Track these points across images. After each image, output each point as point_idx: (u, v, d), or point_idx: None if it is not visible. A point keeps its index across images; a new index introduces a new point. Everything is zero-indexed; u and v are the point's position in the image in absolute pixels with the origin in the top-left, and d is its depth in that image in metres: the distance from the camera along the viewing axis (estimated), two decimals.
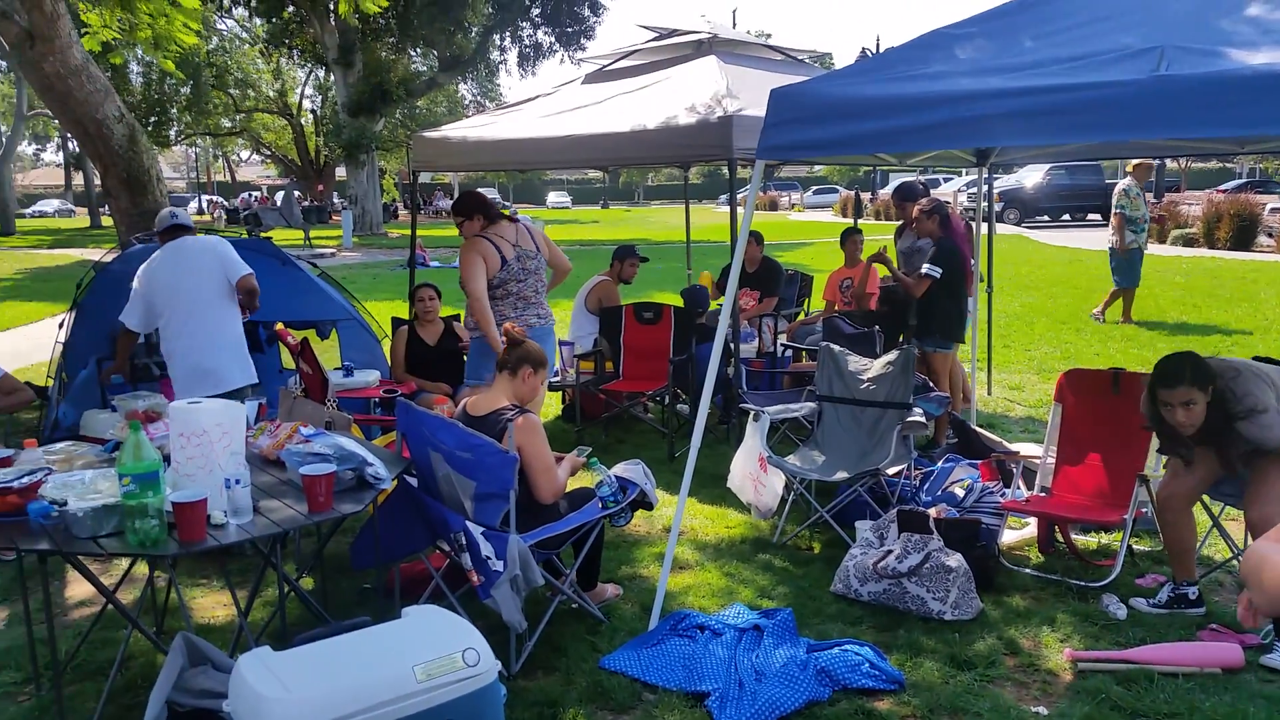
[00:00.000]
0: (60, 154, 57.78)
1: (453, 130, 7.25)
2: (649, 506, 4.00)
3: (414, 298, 6.35)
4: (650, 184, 71.45)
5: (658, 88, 6.33)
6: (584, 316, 7.22)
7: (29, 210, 55.09)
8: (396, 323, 6.49)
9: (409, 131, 37.78)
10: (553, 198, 61.77)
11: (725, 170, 5.93)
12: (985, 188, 7.55)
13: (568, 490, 3.81)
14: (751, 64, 6.77)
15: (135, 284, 4.60)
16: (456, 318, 6.47)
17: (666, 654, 3.54)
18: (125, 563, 4.20)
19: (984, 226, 7.18)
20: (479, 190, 5.32)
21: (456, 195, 5.23)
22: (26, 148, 54.45)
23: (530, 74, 38.16)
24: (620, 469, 3.99)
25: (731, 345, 5.70)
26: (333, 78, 32.07)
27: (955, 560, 3.90)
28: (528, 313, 5.15)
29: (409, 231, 7.95)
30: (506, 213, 5.33)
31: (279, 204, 33.66)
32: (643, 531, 4.89)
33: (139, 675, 3.43)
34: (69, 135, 51.97)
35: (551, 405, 7.55)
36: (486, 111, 9.19)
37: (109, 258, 6.16)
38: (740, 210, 5.25)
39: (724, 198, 56.31)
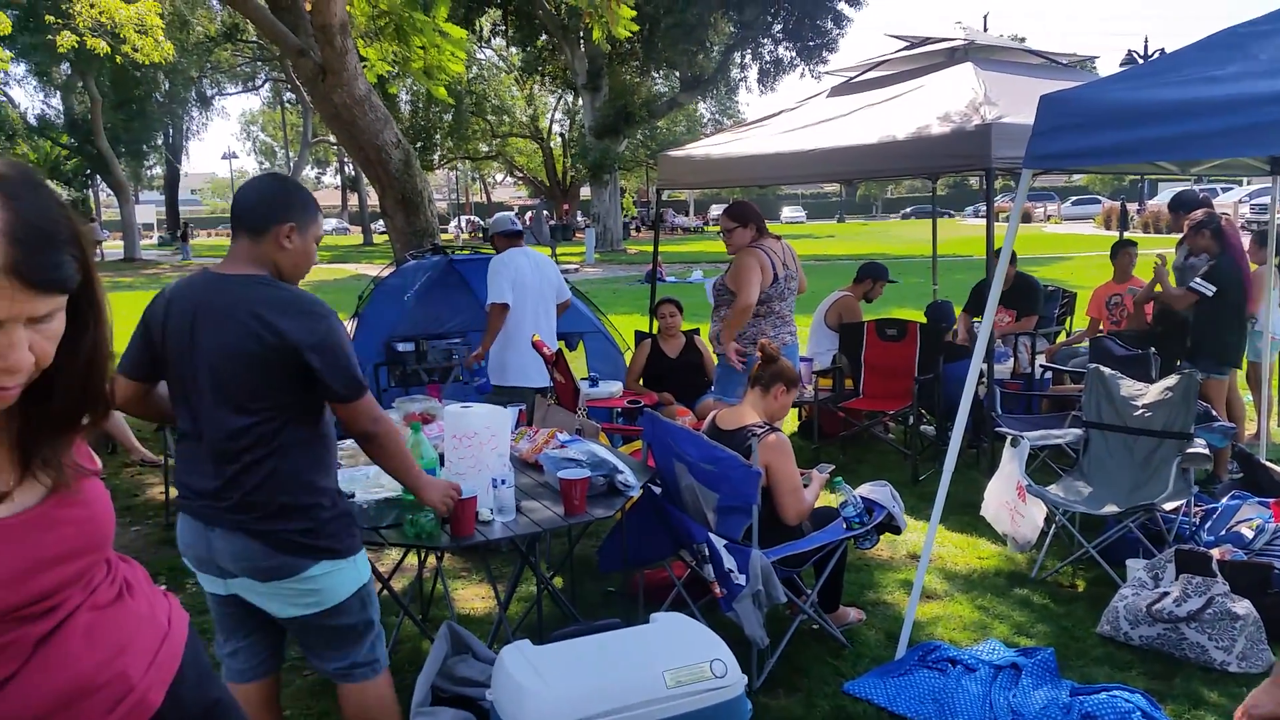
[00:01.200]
0: (338, 177, 63.90)
1: (696, 149, 7.37)
2: (896, 530, 3.87)
3: (656, 312, 6.50)
4: (890, 196, 69.67)
5: (908, 97, 6.15)
6: (823, 332, 7.12)
7: None
8: (640, 336, 6.66)
9: (649, 151, 38.91)
10: (787, 212, 61.55)
11: (972, 181, 5.68)
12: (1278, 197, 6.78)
13: None
14: (1009, 69, 6.45)
15: (498, 269, 5.21)
16: (696, 331, 6.56)
17: (915, 685, 3.41)
18: (397, 553, 4.54)
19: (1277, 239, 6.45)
20: (753, 205, 5.26)
21: (729, 204, 5.17)
22: (309, 172, 60.47)
23: (770, 90, 38.23)
24: (866, 490, 3.89)
25: (984, 365, 5.42)
26: (580, 102, 33.57)
27: (1243, 607, 3.52)
28: (783, 331, 5.08)
29: (647, 248, 8.13)
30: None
31: (529, 223, 35.52)
32: (885, 556, 4.74)
33: (405, 660, 3.68)
34: (349, 160, 57.47)
35: (788, 422, 7.49)
36: (725, 129, 9.26)
37: (386, 273, 6.71)
38: (999, 222, 4.99)
39: (970, 210, 54.12)
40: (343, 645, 2.46)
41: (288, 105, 47.99)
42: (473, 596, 4.33)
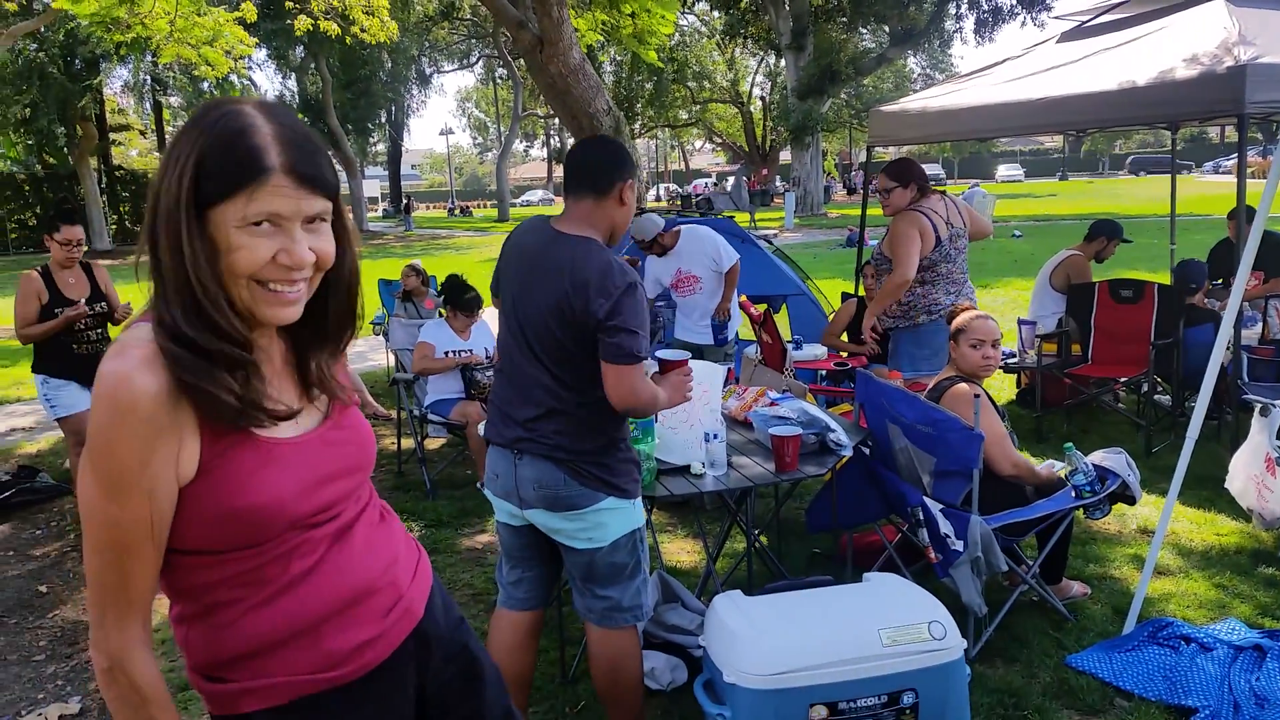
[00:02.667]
0: (545, 150, 65.89)
1: (910, 102, 7.10)
2: (1130, 500, 3.65)
3: (863, 272, 6.36)
4: (1118, 152, 64.63)
5: (1150, 39, 5.68)
6: (1048, 294, 6.72)
7: (519, 200, 63.43)
8: (846, 296, 6.54)
9: (853, 111, 37.82)
10: (1003, 170, 58.21)
11: (1211, 133, 5.16)
12: None
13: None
14: (1268, 4, 5.82)
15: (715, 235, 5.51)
16: None
17: (1144, 661, 3.22)
18: None
19: None
20: (916, 163, 4.90)
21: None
22: (519, 145, 62.69)
23: (988, 40, 36.17)
24: (1099, 457, 3.68)
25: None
26: (783, 63, 32.98)
27: None
28: (960, 294, 4.76)
29: (848, 211, 7.92)
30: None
31: (729, 189, 35.41)
32: (1113, 530, 4.47)
33: None
34: (556, 133, 59.31)
35: (1005, 389, 7.16)
36: (937, 84, 8.84)
37: None
38: (1252, 176, 4.52)
39: (1210, 165, 49.42)
40: (611, 583, 2.58)
41: (499, 81, 49.84)
42: (678, 550, 4.42)
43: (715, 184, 47.83)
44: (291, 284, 1.25)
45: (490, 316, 4.81)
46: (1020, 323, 6.44)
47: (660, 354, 2.64)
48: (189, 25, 12.59)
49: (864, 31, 34.90)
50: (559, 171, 60.76)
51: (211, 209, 1.20)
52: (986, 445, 3.44)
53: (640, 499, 2.63)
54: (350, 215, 1.36)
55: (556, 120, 57.37)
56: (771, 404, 3.52)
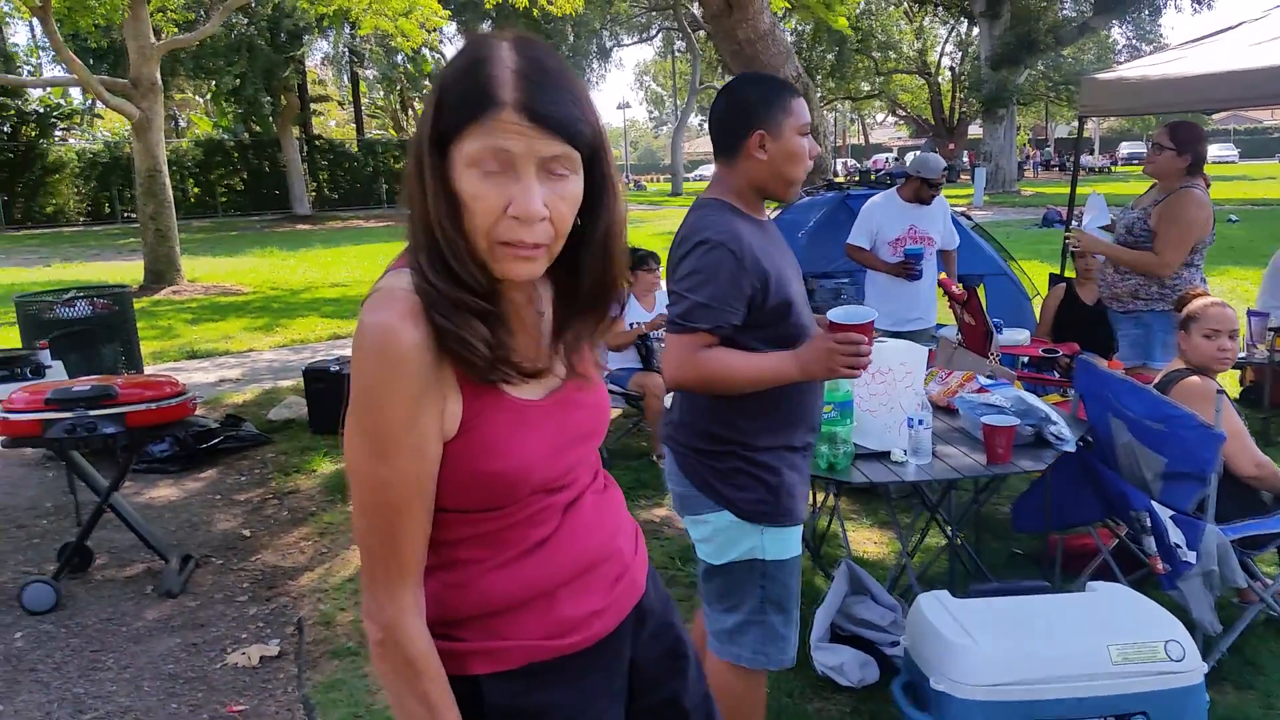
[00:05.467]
0: None
1: (1129, 70, 6.52)
2: None
3: (1074, 255, 5.89)
4: None
5: None
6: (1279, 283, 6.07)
7: (692, 174, 63.36)
8: (1054, 279, 6.09)
9: (1050, 84, 35.64)
10: (1214, 150, 53.71)
11: None
12: None
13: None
14: None
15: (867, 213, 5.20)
16: None
17: None
18: None
19: None
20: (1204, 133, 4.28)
21: (1172, 127, 4.15)
22: (694, 119, 62.56)
23: (1206, 7, 33.32)
24: None
25: None
26: (976, 31, 31.41)
27: None
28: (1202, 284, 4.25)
29: (1043, 189, 7.37)
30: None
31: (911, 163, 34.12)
32: None
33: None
34: None
35: (1228, 385, 6.52)
36: (1145, 55, 8.10)
37: (774, 213, 6.69)
38: None
39: None
40: (717, 607, 2.23)
41: (677, 54, 49.74)
42: (864, 540, 4.22)
43: (896, 159, 46.28)
44: (525, 240, 1.14)
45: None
46: (1250, 314, 5.84)
47: (833, 313, 2.07)
48: None
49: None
50: None
51: (450, 146, 1.13)
52: (1226, 445, 3.09)
53: (786, 531, 2.18)
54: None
55: None
56: (980, 390, 3.28)
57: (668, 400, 2.40)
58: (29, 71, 27.05)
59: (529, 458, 1.23)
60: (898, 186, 5.20)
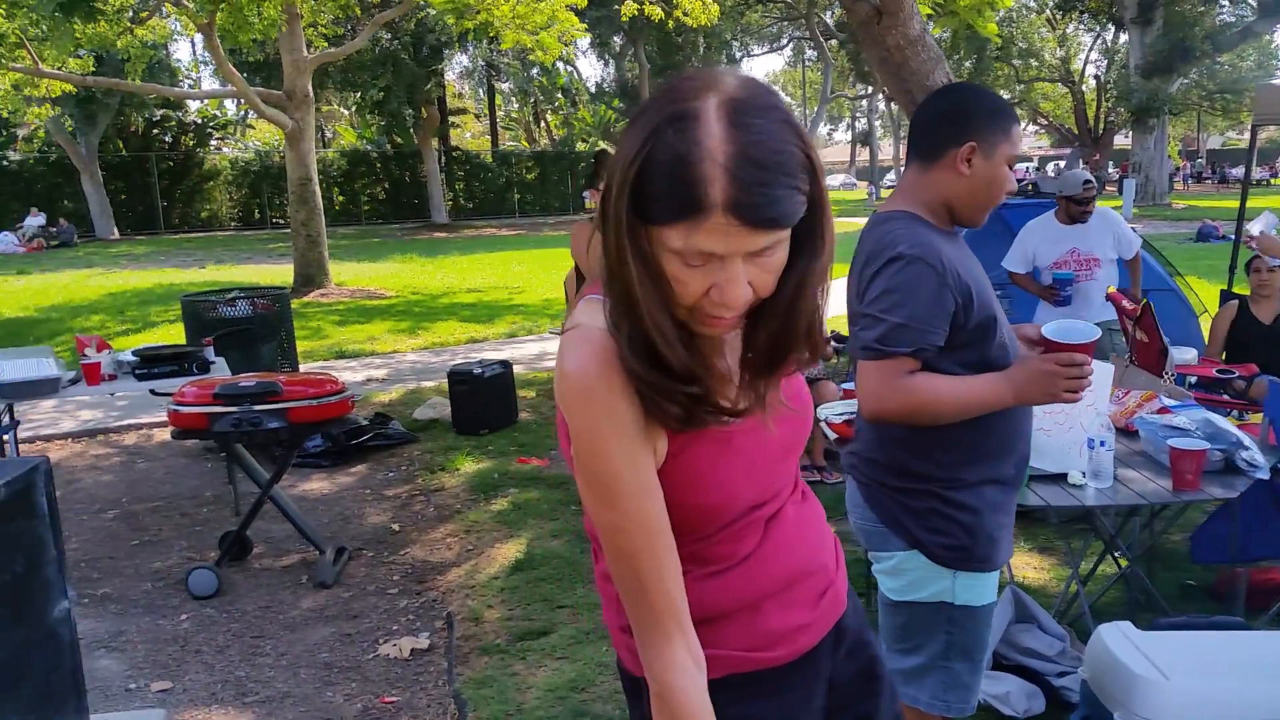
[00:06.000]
0: (849, 133, 64.54)
1: None
2: None
3: (1249, 268, 5.52)
4: None
5: None
6: None
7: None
8: (1226, 296, 5.72)
9: (1204, 92, 33.75)
10: None
11: None
12: None
13: None
14: None
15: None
16: None
17: None
18: None
19: None
20: None
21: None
22: (822, 129, 61.86)
23: None
24: None
25: None
26: (1125, 38, 30.03)
27: None
28: None
29: (1196, 203, 6.92)
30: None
31: (1055, 174, 32.87)
32: None
33: None
34: (859, 115, 57.98)
35: None
36: None
37: None
38: None
39: None
40: (896, 650, 2.05)
41: (808, 64, 49.30)
42: (1024, 564, 4.02)
43: (1036, 168, 44.66)
44: (725, 316, 1.10)
45: None
46: None
47: (1049, 329, 1.89)
48: (529, 11, 13.34)
49: (1224, 4, 31.00)
50: (862, 155, 59.61)
51: (650, 227, 1.07)
52: None
53: (985, 574, 1.96)
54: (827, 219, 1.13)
55: (864, 103, 55.93)
56: (1163, 410, 3.08)
57: (827, 411, 2.29)
58: (189, 85, 28.78)
59: (734, 486, 1.21)
60: (1055, 210, 5.02)
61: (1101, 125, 38.20)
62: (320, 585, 4.09)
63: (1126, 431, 3.20)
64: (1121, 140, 37.16)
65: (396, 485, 5.40)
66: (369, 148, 33.92)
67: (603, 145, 36.54)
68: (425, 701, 3.19)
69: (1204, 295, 6.73)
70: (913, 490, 1.94)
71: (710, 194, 1.01)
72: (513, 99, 39.12)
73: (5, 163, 27.76)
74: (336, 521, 4.88)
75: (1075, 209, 4.93)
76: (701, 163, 1.01)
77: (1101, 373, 2.84)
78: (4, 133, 28.05)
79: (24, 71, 13.18)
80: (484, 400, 6.17)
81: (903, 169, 2.08)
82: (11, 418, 5.17)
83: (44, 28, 11.86)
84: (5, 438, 5.12)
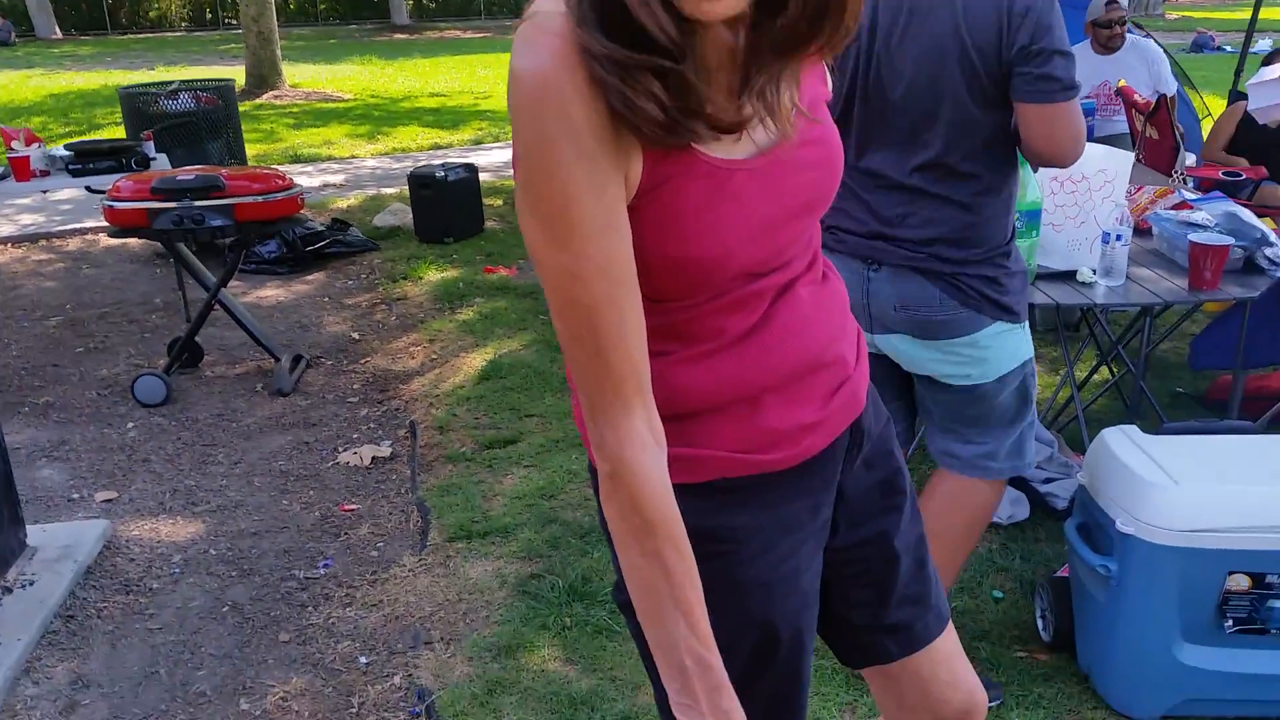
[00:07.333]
0: None
1: None
2: None
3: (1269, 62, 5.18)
4: None
5: None
6: None
7: None
8: (1235, 95, 5.41)
9: None
10: None
11: None
12: None
13: None
14: None
15: None
16: None
17: None
18: None
19: None
20: None
21: None
22: None
23: None
24: None
25: None
26: None
27: None
28: None
29: (1190, 14, 6.45)
30: None
31: None
32: None
33: None
34: None
35: None
36: None
37: None
38: None
39: None
40: (989, 427, 2.07)
41: None
42: None
43: None
44: None
45: None
46: None
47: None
48: None
49: None
50: None
51: None
52: None
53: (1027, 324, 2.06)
54: None
55: None
56: (1182, 206, 2.84)
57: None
58: None
59: (728, 239, 0.94)
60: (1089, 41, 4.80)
61: None
62: (277, 393, 3.90)
63: (1138, 229, 2.97)
64: None
65: (357, 294, 5.14)
66: None
67: None
68: (387, 509, 3.05)
69: (1199, 106, 6.41)
70: (995, 256, 1.94)
71: None
72: None
73: None
74: (294, 330, 4.64)
75: (1103, 34, 4.75)
76: None
77: (1120, 162, 2.60)
78: None
79: None
80: (448, 206, 5.82)
81: None
82: None
83: None
84: None
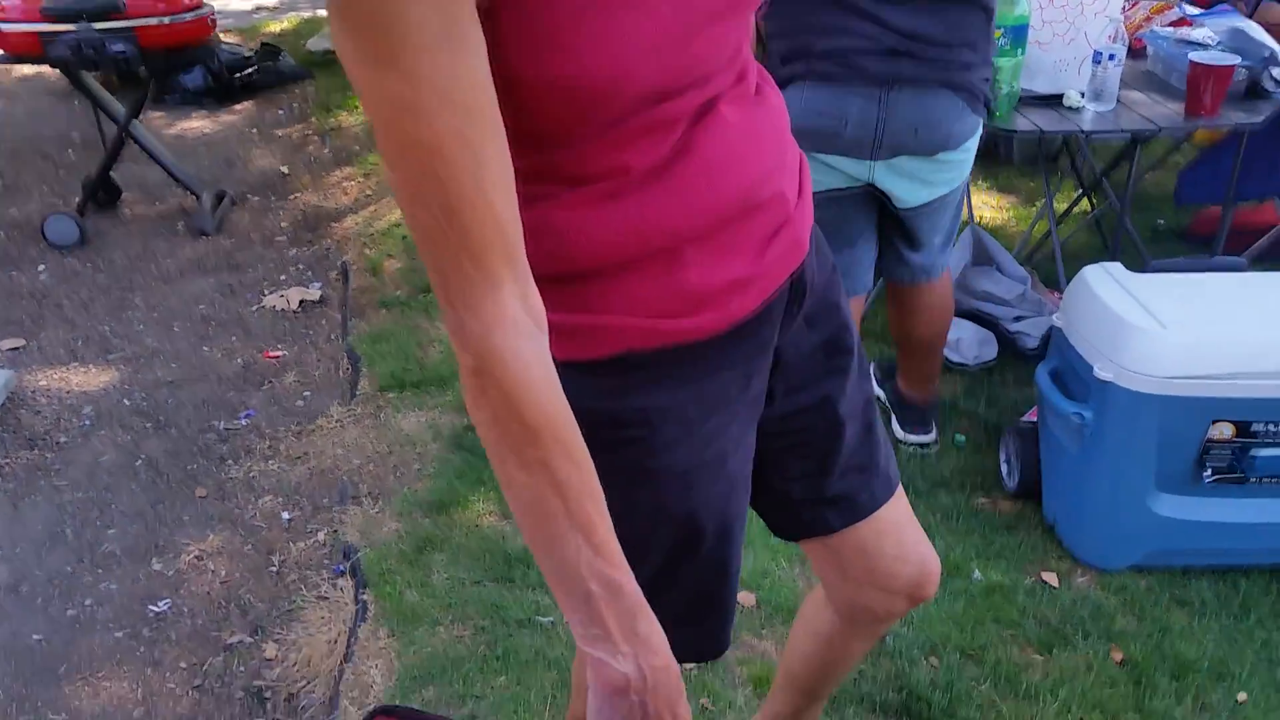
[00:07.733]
0: None
1: None
2: None
3: None
4: None
5: None
6: None
7: None
8: None
9: None
10: None
11: None
12: None
13: None
14: None
15: None
16: None
17: None
18: None
19: None
20: None
21: None
22: None
23: None
24: None
25: None
26: None
27: None
28: None
29: None
30: None
31: None
32: None
33: None
34: None
35: None
36: None
37: None
38: None
39: None
40: (953, 223, 2.08)
41: None
42: (984, 205, 3.66)
43: None
44: None
45: None
46: None
47: None
48: None
49: None
50: None
51: None
52: None
53: None
54: None
55: None
56: (1182, 22, 2.58)
57: None
58: None
59: (623, 52, 0.70)
60: None
61: None
62: (199, 233, 3.62)
63: (1132, 49, 2.71)
64: None
65: (287, 125, 4.76)
66: None
67: None
68: (315, 357, 2.85)
69: None
70: (986, 61, 1.90)
71: None
72: None
73: None
74: (219, 165, 4.30)
75: None
76: None
77: None
78: None
79: None
80: None
81: None
82: None
83: None
84: None
